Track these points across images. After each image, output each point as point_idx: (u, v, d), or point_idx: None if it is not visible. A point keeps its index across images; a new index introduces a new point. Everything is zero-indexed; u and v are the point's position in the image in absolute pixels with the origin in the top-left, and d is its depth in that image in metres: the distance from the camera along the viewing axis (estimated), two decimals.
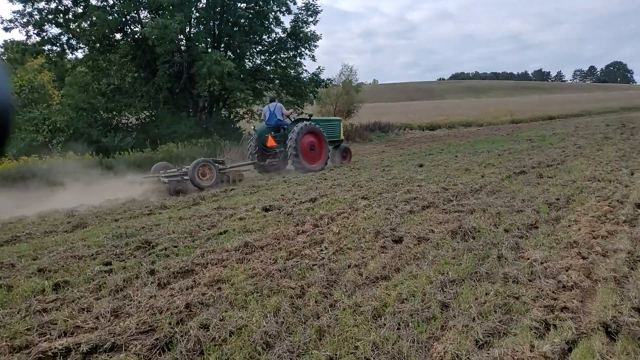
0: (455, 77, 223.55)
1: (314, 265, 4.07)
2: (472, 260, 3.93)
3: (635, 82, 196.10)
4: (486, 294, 3.26)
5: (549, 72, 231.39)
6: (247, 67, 21.27)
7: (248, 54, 21.31)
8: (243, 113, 22.74)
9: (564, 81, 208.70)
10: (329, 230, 5.22)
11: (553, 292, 3.19)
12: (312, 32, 21.64)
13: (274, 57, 21.93)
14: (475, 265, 3.78)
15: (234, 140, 18.22)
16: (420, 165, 10.80)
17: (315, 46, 21.86)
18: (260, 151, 12.71)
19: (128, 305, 3.41)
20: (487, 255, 4.04)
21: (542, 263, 3.74)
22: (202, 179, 10.05)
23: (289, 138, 11.72)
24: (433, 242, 4.53)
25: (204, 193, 8.87)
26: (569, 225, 4.90)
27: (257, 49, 21.73)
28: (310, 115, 13.27)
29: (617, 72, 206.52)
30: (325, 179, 9.73)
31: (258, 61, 22.18)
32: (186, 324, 3.05)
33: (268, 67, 22.18)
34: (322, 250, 4.53)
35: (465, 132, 26.68)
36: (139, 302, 3.45)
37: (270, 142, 12.28)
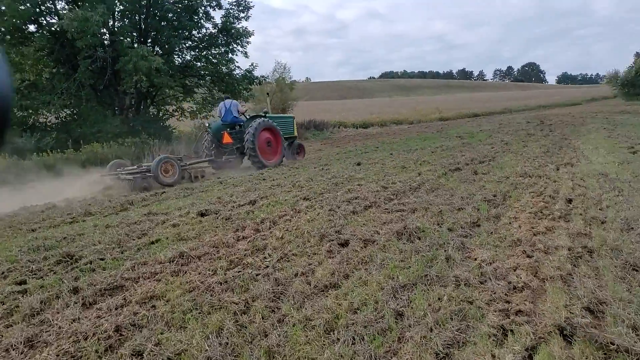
0: (385, 75, 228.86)
1: (257, 275, 3.81)
2: (420, 262, 3.83)
3: (548, 82, 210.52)
4: (439, 299, 3.15)
5: (472, 71, 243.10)
6: (177, 63, 20.47)
7: (177, 49, 20.52)
8: (173, 110, 21.85)
9: (486, 80, 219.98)
10: (272, 235, 4.95)
11: (505, 294, 3.14)
12: (244, 28, 21.19)
13: (204, 53, 21.26)
14: (425, 268, 3.69)
15: (163, 139, 17.45)
16: (358, 164, 10.76)
17: (247, 42, 21.46)
18: (216, 148, 12.68)
19: (46, 332, 2.99)
20: (435, 257, 3.96)
21: (490, 263, 3.70)
22: (165, 176, 10.06)
23: (247, 133, 11.80)
24: (379, 244, 4.40)
25: (132, 197, 8.28)
26: (510, 223, 4.96)
27: (187, 45, 20.98)
28: (266, 113, 13.30)
29: (531, 72, 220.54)
30: (263, 179, 9.43)
31: (188, 57, 21.46)
32: (116, 352, 2.70)
33: (198, 63, 21.47)
34: (265, 257, 4.27)
35: (396, 130, 27.25)
36: (60, 328, 3.03)
37: (227, 138, 12.31)
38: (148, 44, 18.88)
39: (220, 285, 3.61)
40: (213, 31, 20.99)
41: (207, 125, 13.46)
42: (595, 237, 4.23)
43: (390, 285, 3.38)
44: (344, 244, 4.52)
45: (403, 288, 3.36)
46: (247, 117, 13.02)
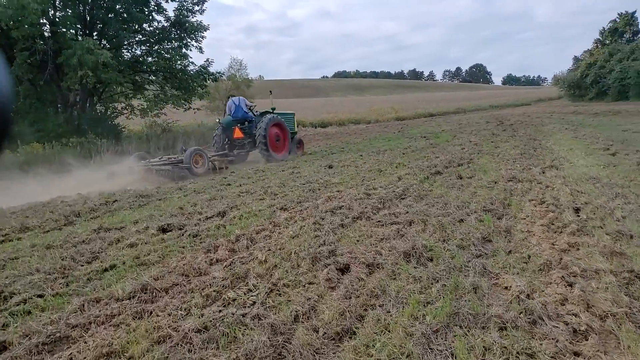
0: (339, 75, 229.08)
1: (244, 315, 3.02)
2: (444, 294, 3.16)
3: (494, 83, 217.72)
4: (486, 349, 2.48)
5: (422, 71, 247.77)
6: (126, 58, 19.06)
7: (126, 43, 19.10)
8: (122, 108, 20.41)
9: (436, 80, 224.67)
10: (253, 258, 4.14)
11: (570, 342, 2.51)
12: (198, 22, 20.04)
13: (156, 47, 19.93)
14: (453, 303, 3.02)
15: (112, 138, 16.15)
16: (330, 167, 10.05)
17: (202, 37, 20.31)
18: (227, 142, 13.34)
19: None
20: (457, 286, 3.31)
21: (529, 295, 3.08)
22: (196, 166, 10.65)
23: (258, 128, 12.37)
24: (387, 270, 3.70)
25: (78, 208, 7.18)
26: (525, 238, 4.39)
27: (137, 39, 19.57)
28: (273, 109, 13.64)
29: (478, 73, 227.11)
30: (228, 184, 8.53)
31: (138, 52, 20.03)
32: None
33: (150, 59, 20.10)
34: (250, 289, 3.47)
35: (356, 130, 26.71)
36: None
37: (238, 133, 13.05)
38: (94, 37, 17.44)
39: (199, 333, 2.80)
40: (165, 25, 19.73)
41: (218, 121, 13.89)
42: (634, 257, 3.70)
43: (419, 330, 2.69)
44: (344, 269, 3.79)
45: (436, 334, 2.67)
46: (256, 113, 13.54)
